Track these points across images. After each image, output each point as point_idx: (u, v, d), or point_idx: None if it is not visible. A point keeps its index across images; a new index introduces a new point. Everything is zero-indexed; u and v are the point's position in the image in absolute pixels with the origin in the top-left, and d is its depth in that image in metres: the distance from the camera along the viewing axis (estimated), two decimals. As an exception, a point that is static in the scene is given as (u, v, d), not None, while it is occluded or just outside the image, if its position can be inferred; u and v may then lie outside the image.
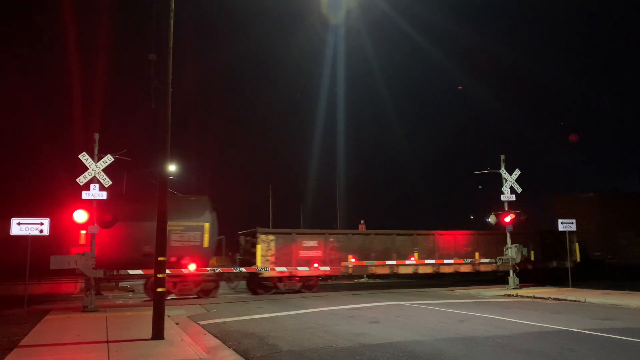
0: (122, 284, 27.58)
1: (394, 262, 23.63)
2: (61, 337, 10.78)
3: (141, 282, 21.82)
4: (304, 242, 22.54)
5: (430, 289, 23.70)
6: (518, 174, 22.65)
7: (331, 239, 23.15)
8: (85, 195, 16.34)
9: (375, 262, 23.39)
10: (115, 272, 18.51)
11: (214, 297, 20.80)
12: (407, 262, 23.81)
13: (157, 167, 11.10)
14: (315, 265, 22.35)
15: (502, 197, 22.50)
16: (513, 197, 22.42)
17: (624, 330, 10.95)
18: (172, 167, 31.57)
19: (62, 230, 17.75)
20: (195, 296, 20.65)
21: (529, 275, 24.54)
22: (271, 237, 22.11)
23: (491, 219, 22.75)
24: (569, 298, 17.72)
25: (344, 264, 22.91)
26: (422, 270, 24.28)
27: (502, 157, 22.90)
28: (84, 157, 16.50)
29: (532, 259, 25.58)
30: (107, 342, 10.23)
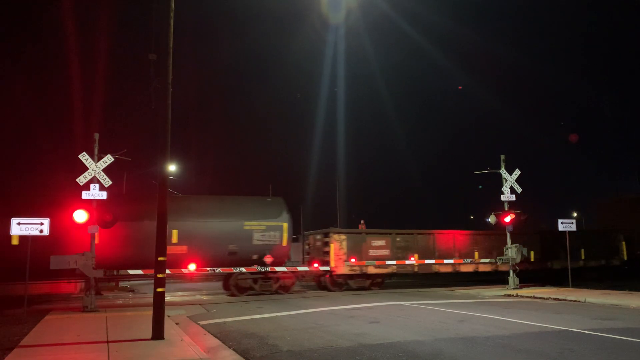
0: (123, 284, 27.59)
1: (451, 261, 24.57)
2: (61, 337, 10.78)
3: (142, 282, 21.87)
4: (373, 241, 23.64)
5: (430, 289, 23.71)
6: (518, 174, 22.65)
7: (398, 239, 24.19)
8: (85, 195, 16.34)
9: (434, 261, 24.41)
10: (115, 272, 18.52)
11: (291, 292, 21.91)
12: (469, 260, 24.86)
13: (157, 167, 11.10)
14: (384, 263, 23.43)
15: (502, 197, 22.50)
16: (513, 197, 22.42)
17: (624, 330, 10.95)
18: (172, 167, 31.55)
19: (62, 231, 17.76)
20: (273, 292, 21.64)
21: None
22: (343, 236, 23.26)
23: (491, 219, 22.75)
24: (569, 298, 17.71)
25: (409, 262, 23.92)
26: (481, 268, 25.46)
27: (502, 157, 22.90)
28: (84, 157, 16.50)
29: (532, 259, 25.75)
30: (107, 342, 10.23)
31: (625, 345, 9.51)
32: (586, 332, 10.89)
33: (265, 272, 21.29)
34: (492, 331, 11.04)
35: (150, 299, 10.88)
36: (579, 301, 17.02)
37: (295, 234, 26.83)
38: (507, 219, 22.12)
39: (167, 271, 16.91)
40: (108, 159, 16.82)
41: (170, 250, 16.83)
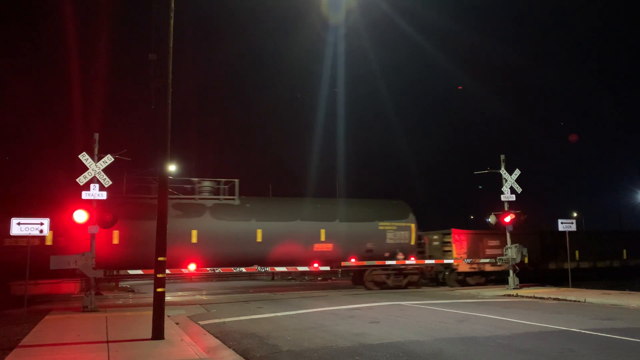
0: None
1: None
2: (61, 337, 10.78)
3: (143, 282, 21.90)
4: (489, 241, 25.53)
5: (430, 289, 23.70)
6: (518, 174, 22.64)
7: (558, 238, 26.31)
8: (85, 195, 16.33)
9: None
10: (115, 272, 18.52)
11: (418, 288, 23.48)
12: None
13: (157, 167, 11.10)
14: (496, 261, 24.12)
15: (502, 197, 22.50)
16: (513, 197, 22.41)
17: (624, 330, 10.95)
18: (172, 167, 31.55)
19: (62, 231, 17.78)
20: (404, 287, 23.35)
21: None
22: (463, 236, 25.40)
23: (491, 219, 22.75)
24: (569, 298, 17.71)
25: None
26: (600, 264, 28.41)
27: (502, 157, 22.89)
28: (84, 157, 16.50)
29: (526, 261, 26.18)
30: (107, 342, 10.23)
31: (625, 345, 9.51)
32: (586, 332, 10.89)
33: (399, 268, 23.22)
34: (492, 331, 11.04)
35: (150, 299, 10.88)
36: (579, 301, 17.02)
37: None
38: (507, 219, 22.12)
39: (238, 269, 20.35)
40: (108, 159, 16.81)
41: (319, 247, 21.93)
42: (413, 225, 24.19)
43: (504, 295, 20.04)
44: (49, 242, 18.35)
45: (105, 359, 8.75)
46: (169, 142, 10.77)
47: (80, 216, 16.00)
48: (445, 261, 24.68)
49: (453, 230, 25.22)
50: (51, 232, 16.73)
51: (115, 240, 19.18)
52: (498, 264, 23.18)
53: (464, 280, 24.94)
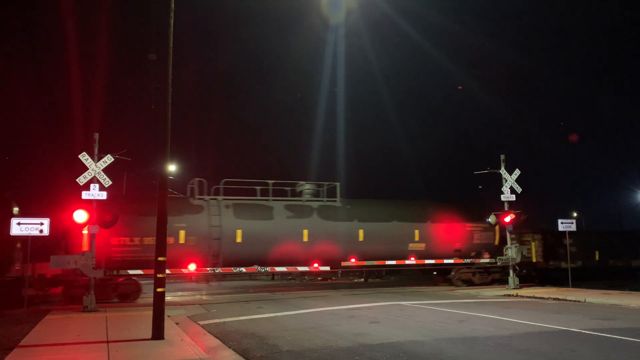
0: None
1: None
2: (61, 337, 10.78)
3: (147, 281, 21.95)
4: (564, 240, 25.94)
5: (430, 289, 23.69)
6: (518, 174, 22.65)
7: (585, 238, 28.21)
8: (85, 195, 16.32)
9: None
10: (115, 272, 18.53)
11: (501, 285, 23.48)
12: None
13: (157, 167, 11.10)
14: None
15: (502, 197, 22.50)
16: (513, 197, 22.42)
17: (624, 330, 10.95)
18: (172, 167, 31.56)
19: (62, 231, 17.77)
20: (488, 283, 24.29)
21: None
22: (539, 236, 27.49)
23: (491, 219, 22.75)
24: (569, 298, 17.71)
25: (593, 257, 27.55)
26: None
27: (502, 157, 22.89)
28: (84, 157, 16.49)
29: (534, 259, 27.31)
30: (107, 342, 10.23)
31: (625, 345, 9.51)
32: (586, 332, 10.89)
33: (484, 266, 24.42)
34: (492, 331, 11.04)
35: (150, 299, 10.88)
36: (579, 301, 17.02)
37: None
38: (507, 219, 22.12)
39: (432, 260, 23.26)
40: (108, 159, 16.81)
41: (413, 246, 23.54)
42: (497, 227, 25.02)
43: (504, 295, 20.04)
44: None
45: (105, 359, 8.75)
46: (169, 142, 10.77)
47: (80, 216, 16.00)
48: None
49: (531, 229, 27.64)
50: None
51: (239, 239, 20.89)
52: (499, 263, 23.15)
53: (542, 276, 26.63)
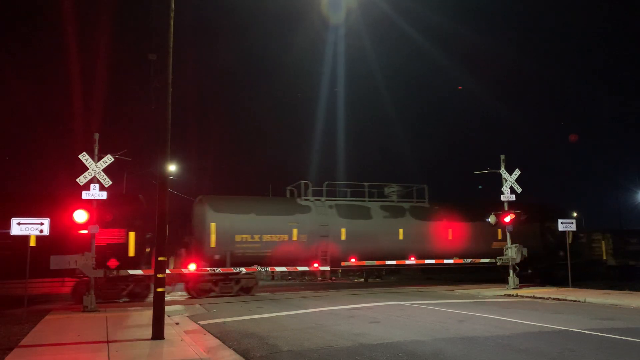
0: None
1: None
2: (61, 337, 10.78)
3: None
4: (630, 239, 29.17)
5: (430, 289, 23.70)
6: (518, 174, 22.64)
7: None
8: (85, 195, 16.32)
9: None
10: (115, 272, 18.51)
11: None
12: None
13: (157, 167, 11.10)
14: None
15: (502, 197, 22.49)
16: (513, 197, 22.41)
17: (624, 330, 10.95)
18: (172, 167, 31.57)
19: (62, 231, 17.75)
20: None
21: None
22: (609, 235, 29.70)
23: (491, 219, 22.74)
24: (569, 298, 17.71)
25: None
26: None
27: (502, 157, 22.88)
28: (84, 157, 16.49)
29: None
30: (107, 342, 10.23)
31: (625, 345, 9.51)
32: (586, 332, 10.89)
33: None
34: (492, 331, 11.04)
35: (150, 299, 10.88)
36: (579, 301, 17.02)
37: None
38: (507, 219, 22.12)
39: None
40: (108, 159, 16.81)
41: (496, 244, 24.67)
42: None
43: (504, 295, 20.04)
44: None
45: (105, 359, 8.76)
46: (169, 142, 10.78)
47: (80, 216, 16.00)
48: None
49: (600, 229, 30.36)
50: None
51: (343, 237, 22.69)
52: (499, 263, 23.14)
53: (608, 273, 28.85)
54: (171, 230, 17.20)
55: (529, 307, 15.81)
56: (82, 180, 16.36)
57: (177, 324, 12.75)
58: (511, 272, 22.14)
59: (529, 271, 25.83)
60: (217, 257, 20.59)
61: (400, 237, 23.54)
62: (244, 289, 21.16)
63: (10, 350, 9.39)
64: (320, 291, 23.25)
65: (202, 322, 13.38)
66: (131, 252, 19.38)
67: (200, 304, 18.22)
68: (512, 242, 22.38)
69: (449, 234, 24.73)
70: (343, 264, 22.61)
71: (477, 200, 28.34)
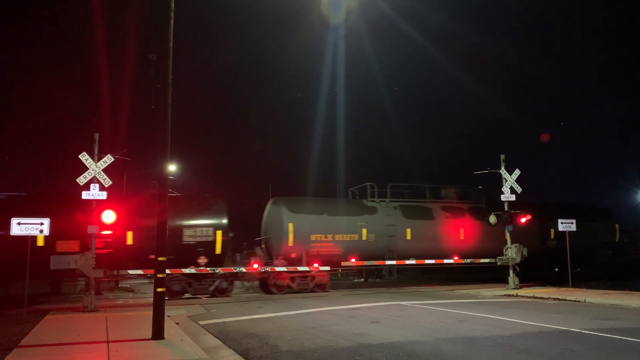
0: None
1: None
2: (61, 337, 10.78)
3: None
4: None
5: (430, 289, 23.71)
6: (518, 174, 22.65)
7: None
8: (85, 195, 16.33)
9: None
10: (115, 272, 18.54)
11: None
12: None
13: (157, 167, 11.10)
14: None
15: (502, 197, 22.50)
16: (513, 197, 22.42)
17: (624, 330, 10.95)
18: (172, 167, 31.59)
19: (62, 231, 17.79)
20: None
21: None
22: None
23: (491, 219, 22.75)
24: (569, 298, 17.71)
25: None
26: None
27: (502, 157, 22.89)
28: (84, 157, 16.49)
29: None
30: (107, 342, 10.23)
31: (626, 345, 9.51)
32: (586, 332, 10.89)
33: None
34: (492, 331, 11.04)
35: (150, 299, 10.88)
36: (579, 301, 17.02)
37: None
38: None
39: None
40: (108, 159, 16.81)
41: (551, 243, 26.44)
42: (617, 225, 28.87)
43: (504, 295, 20.05)
44: None
45: (105, 359, 8.76)
46: (169, 142, 10.78)
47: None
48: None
49: None
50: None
51: (408, 237, 23.89)
52: (499, 263, 23.15)
53: None
54: (242, 230, 18.35)
55: (529, 307, 15.81)
56: (82, 180, 16.36)
57: (177, 324, 12.76)
58: (511, 272, 22.13)
59: (578, 269, 26.60)
60: (293, 255, 22.04)
61: (462, 236, 24.41)
62: (319, 285, 22.32)
63: (10, 350, 9.39)
64: (320, 291, 23.19)
65: (202, 322, 13.38)
66: (218, 250, 20.81)
67: (200, 304, 18.22)
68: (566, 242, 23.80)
69: (506, 233, 25.06)
70: (343, 264, 22.69)
71: (530, 202, 29.71)
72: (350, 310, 15.49)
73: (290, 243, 22.05)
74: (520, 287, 21.76)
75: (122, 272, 18.69)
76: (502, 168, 22.71)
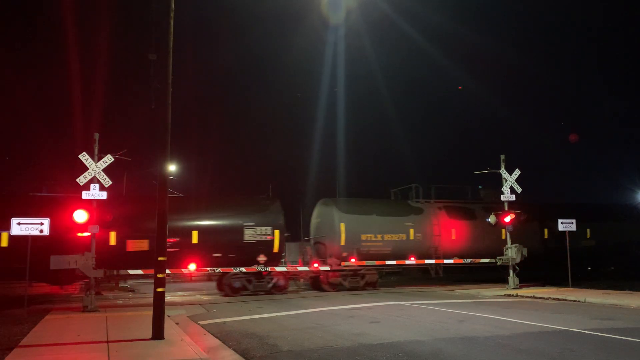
0: None
1: None
2: (61, 337, 10.79)
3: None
4: None
5: (430, 289, 23.70)
6: (518, 174, 22.65)
7: None
8: (85, 195, 16.32)
9: None
10: (115, 272, 18.52)
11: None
12: None
13: (157, 167, 11.10)
14: None
15: (502, 197, 22.51)
16: (513, 197, 22.42)
17: (624, 330, 10.95)
18: (172, 167, 31.60)
19: (62, 231, 17.77)
20: None
21: None
22: None
23: (491, 219, 22.75)
24: (569, 298, 17.70)
25: None
26: None
27: (502, 157, 22.89)
28: (84, 157, 16.49)
29: None
30: (107, 342, 10.24)
31: (626, 345, 9.51)
32: (586, 332, 10.89)
33: None
34: (492, 331, 11.04)
35: (150, 299, 10.88)
36: (579, 301, 17.02)
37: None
38: (507, 219, 22.12)
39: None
40: (108, 159, 16.81)
41: (586, 243, 26.98)
42: None
43: (504, 295, 20.04)
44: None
45: (105, 359, 8.76)
46: (169, 142, 10.77)
47: (80, 216, 16.01)
48: None
49: None
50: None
51: (453, 237, 24.87)
52: (498, 263, 23.14)
53: None
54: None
55: (529, 307, 15.81)
56: (82, 180, 16.36)
57: (177, 324, 12.75)
58: (511, 272, 22.13)
59: (612, 268, 27.66)
60: (345, 254, 22.87)
61: (503, 236, 24.36)
62: (369, 283, 23.35)
63: (10, 350, 9.39)
64: (320, 291, 23.20)
65: (202, 322, 13.38)
66: (275, 249, 21.90)
67: (200, 304, 18.23)
68: (599, 238, 24.97)
69: (545, 232, 26.70)
70: (343, 264, 22.72)
71: (567, 203, 31.39)
72: (350, 310, 15.49)
73: (342, 242, 22.94)
74: (520, 287, 21.75)
75: (121, 271, 18.67)
76: (502, 168, 22.71)
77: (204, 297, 21.60)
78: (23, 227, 15.29)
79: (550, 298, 18.17)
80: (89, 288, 16.18)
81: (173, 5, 10.97)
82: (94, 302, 16.05)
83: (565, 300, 17.54)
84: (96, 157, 16.67)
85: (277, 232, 21.89)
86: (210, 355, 9.09)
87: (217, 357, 9.22)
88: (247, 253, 21.20)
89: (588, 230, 27.25)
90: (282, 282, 22.09)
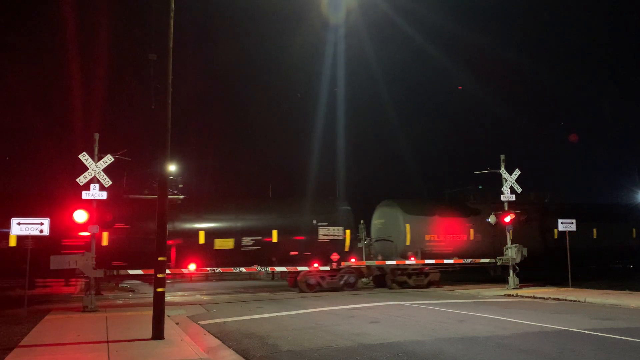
0: None
1: None
2: (61, 337, 10.79)
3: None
4: None
5: (430, 289, 23.69)
6: (518, 174, 22.65)
7: None
8: (85, 195, 16.32)
9: None
10: (115, 272, 18.51)
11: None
12: None
13: (157, 167, 11.10)
14: None
15: (502, 197, 22.50)
16: (513, 197, 22.42)
17: (624, 330, 10.95)
18: (172, 167, 31.59)
19: (62, 231, 17.78)
20: None
21: None
22: None
23: (491, 219, 22.74)
24: (569, 298, 17.71)
25: None
26: None
27: (502, 157, 22.88)
28: (84, 157, 16.49)
29: None
30: (107, 342, 10.24)
31: (625, 345, 9.51)
32: (586, 332, 10.89)
33: None
34: (492, 331, 11.04)
35: (150, 299, 10.88)
36: (579, 301, 17.02)
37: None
38: (507, 219, 22.12)
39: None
40: (108, 159, 16.81)
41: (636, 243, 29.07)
42: None
43: (504, 295, 20.04)
44: None
45: (105, 359, 8.76)
46: (169, 142, 10.77)
47: (80, 216, 16.00)
48: None
49: None
50: None
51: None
52: (498, 263, 23.13)
53: None
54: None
55: (529, 307, 15.81)
56: (82, 180, 16.36)
57: (177, 324, 12.75)
58: (511, 272, 22.12)
59: (631, 267, 28.25)
60: (409, 254, 23.75)
61: (555, 236, 25.46)
62: (433, 282, 24.04)
63: (11, 350, 9.39)
64: (320, 291, 23.17)
65: (202, 322, 13.38)
66: (347, 247, 22.94)
67: (200, 304, 18.23)
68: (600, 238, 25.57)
69: (594, 233, 27.62)
70: (343, 264, 22.75)
71: (612, 204, 32.66)
72: (350, 310, 15.49)
73: (408, 242, 23.93)
74: (520, 287, 21.74)
75: (122, 271, 18.65)
76: (502, 168, 22.71)
77: (204, 297, 21.59)
78: (23, 227, 15.30)
79: (550, 298, 18.17)
80: (89, 288, 16.17)
81: (173, 5, 10.97)
82: (94, 302, 16.05)
83: (565, 300, 17.54)
84: (96, 157, 16.67)
85: (348, 232, 23.00)
86: (210, 355, 9.09)
87: (217, 357, 9.22)
88: (322, 252, 22.18)
89: (634, 230, 28.64)
90: (352, 279, 22.94)
